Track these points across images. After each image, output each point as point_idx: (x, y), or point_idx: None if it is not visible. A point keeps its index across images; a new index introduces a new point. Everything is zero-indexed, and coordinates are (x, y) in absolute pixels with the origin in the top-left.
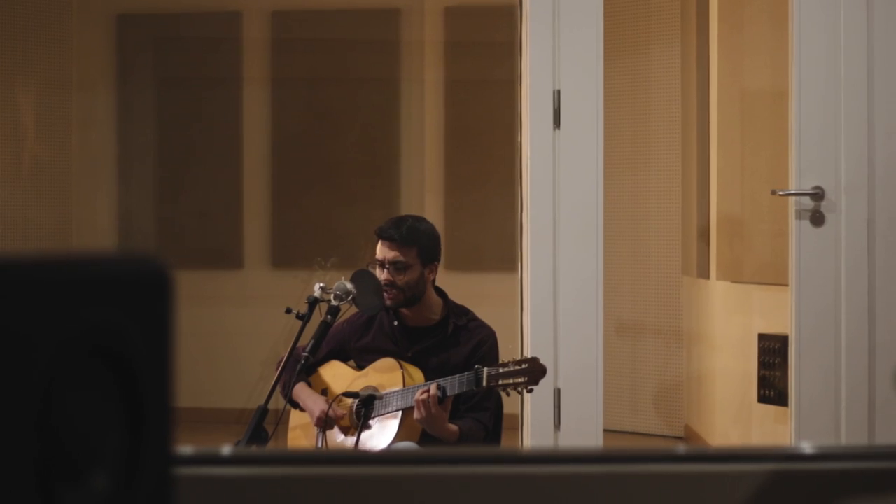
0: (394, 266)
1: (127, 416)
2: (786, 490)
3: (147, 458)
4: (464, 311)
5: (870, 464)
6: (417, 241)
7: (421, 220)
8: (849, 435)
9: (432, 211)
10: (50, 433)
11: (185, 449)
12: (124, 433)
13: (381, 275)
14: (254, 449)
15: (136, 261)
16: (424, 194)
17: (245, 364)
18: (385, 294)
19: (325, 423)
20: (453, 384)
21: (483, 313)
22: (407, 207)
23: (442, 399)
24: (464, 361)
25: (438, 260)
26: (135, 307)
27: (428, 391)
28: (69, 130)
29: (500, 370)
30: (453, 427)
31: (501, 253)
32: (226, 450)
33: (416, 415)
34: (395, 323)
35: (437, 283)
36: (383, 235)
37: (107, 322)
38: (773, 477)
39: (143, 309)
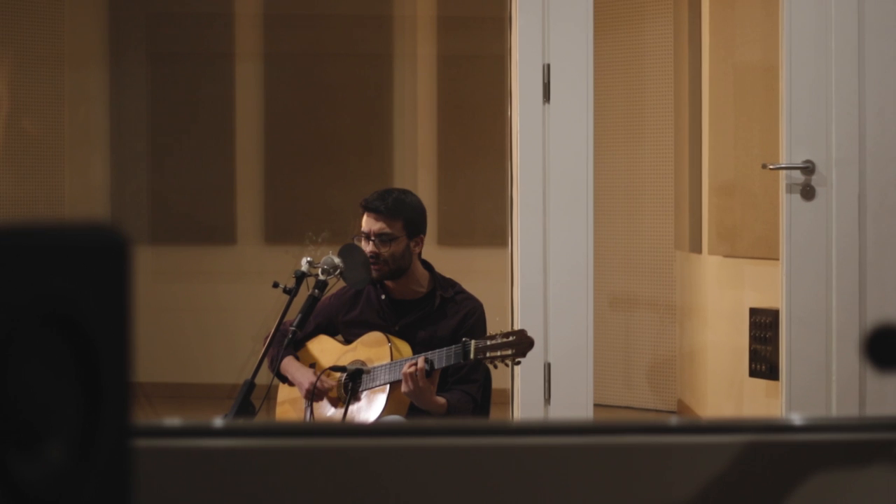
0: (379, 238)
1: (84, 387)
2: (770, 460)
3: (104, 430)
4: (450, 284)
5: (853, 435)
6: (403, 213)
7: (407, 192)
8: (839, 408)
9: (424, 186)
10: (4, 403)
11: (173, 421)
12: (81, 404)
13: (367, 247)
14: (240, 421)
15: (92, 230)
16: (417, 169)
17: (237, 339)
18: (371, 265)
19: (313, 394)
20: (441, 357)
21: (474, 288)
22: (399, 182)
23: (429, 372)
24: (451, 334)
25: (424, 233)
26: (91, 276)
27: (415, 364)
28: (61, 106)
29: (488, 342)
30: (441, 400)
31: (493, 228)
32: (212, 422)
33: (403, 388)
34: (383, 297)
35: (427, 257)
36: (369, 207)
37: (62, 291)
38: (758, 447)
39: (99, 278)
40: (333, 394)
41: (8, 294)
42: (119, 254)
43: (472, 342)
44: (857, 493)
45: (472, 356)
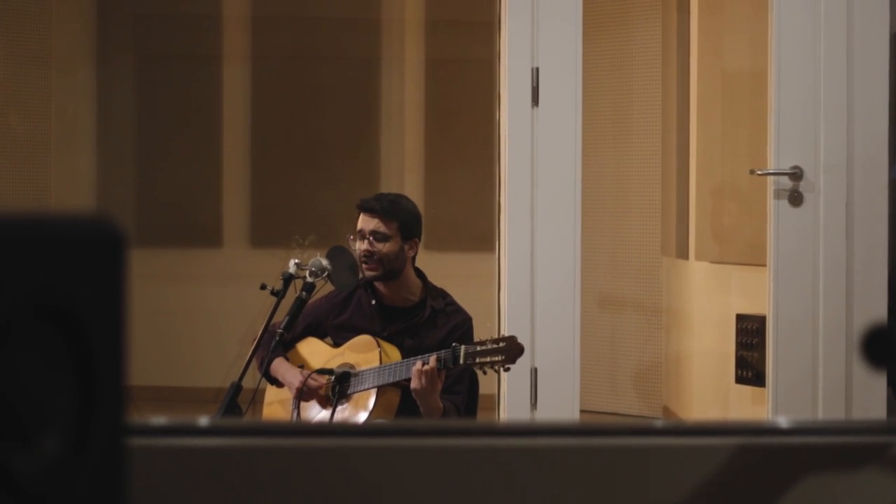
0: (374, 236)
1: (79, 381)
2: (757, 463)
3: (99, 424)
4: (442, 295)
5: (841, 438)
6: (398, 215)
7: (403, 196)
8: (826, 416)
9: (412, 190)
10: None
11: (160, 419)
12: (76, 397)
13: (362, 245)
14: (227, 420)
15: (88, 222)
16: (404, 173)
17: (224, 343)
18: (364, 265)
19: (302, 392)
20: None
21: (462, 293)
22: (386, 186)
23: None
24: (438, 345)
25: (419, 238)
26: (87, 269)
27: (427, 363)
28: (48, 105)
29: (478, 348)
30: (440, 403)
31: (481, 232)
32: (199, 421)
33: (415, 384)
34: (373, 302)
35: (417, 264)
36: (365, 207)
37: (57, 283)
38: (745, 451)
39: (95, 271)
40: (323, 392)
41: (2, 285)
42: (115, 246)
43: (462, 347)
44: (843, 496)
45: (461, 361)
